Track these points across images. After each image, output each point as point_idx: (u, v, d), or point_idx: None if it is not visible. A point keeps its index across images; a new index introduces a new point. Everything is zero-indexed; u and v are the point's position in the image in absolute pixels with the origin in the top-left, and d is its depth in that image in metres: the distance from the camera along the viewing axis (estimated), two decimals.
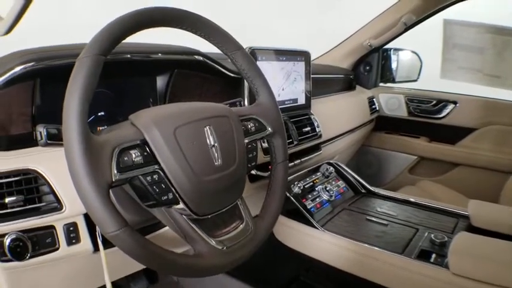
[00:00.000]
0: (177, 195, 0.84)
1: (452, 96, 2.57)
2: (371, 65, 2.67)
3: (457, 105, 2.53)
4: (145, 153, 0.81)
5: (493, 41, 2.42)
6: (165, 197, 0.83)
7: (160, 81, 1.31)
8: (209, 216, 0.91)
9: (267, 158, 1.46)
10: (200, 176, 0.86)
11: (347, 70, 2.60)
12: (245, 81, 1.18)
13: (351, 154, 2.61)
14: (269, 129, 1.09)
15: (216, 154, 0.90)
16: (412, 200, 1.81)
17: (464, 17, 2.48)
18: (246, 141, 1.02)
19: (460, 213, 1.67)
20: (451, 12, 2.37)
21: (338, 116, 2.20)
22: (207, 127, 0.90)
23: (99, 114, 1.18)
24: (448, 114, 2.56)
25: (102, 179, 0.72)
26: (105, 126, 1.14)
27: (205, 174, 0.87)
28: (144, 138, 0.82)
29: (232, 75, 1.45)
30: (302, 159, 1.74)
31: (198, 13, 0.96)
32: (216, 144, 0.90)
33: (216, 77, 1.42)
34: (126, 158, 0.77)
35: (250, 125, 1.05)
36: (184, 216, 0.88)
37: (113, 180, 0.74)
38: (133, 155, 0.79)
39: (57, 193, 0.91)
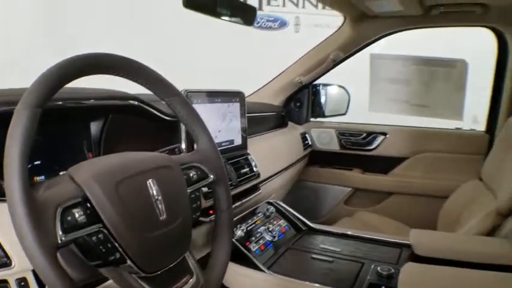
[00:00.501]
0: (123, 254, 0.81)
1: (382, 127, 2.65)
2: (301, 101, 2.71)
3: (387, 136, 2.61)
4: (88, 212, 0.77)
5: (420, 72, 2.54)
6: (112, 257, 0.80)
7: (95, 128, 1.26)
8: (158, 273, 0.88)
9: (208, 202, 1.41)
10: (146, 232, 0.83)
11: (278, 107, 2.60)
12: (182, 125, 1.15)
13: (287, 190, 2.61)
14: (211, 176, 1.07)
15: (160, 208, 0.87)
16: (353, 233, 1.82)
17: (393, 50, 2.59)
18: (189, 191, 0.99)
19: (402, 242, 1.69)
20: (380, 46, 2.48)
21: (274, 154, 2.19)
22: (150, 180, 0.87)
23: (35, 163, 1.11)
24: (378, 145, 2.63)
25: (48, 241, 0.70)
26: (42, 177, 1.11)
27: (150, 230, 0.84)
28: (85, 195, 0.78)
29: (168, 118, 1.40)
30: (242, 201, 1.71)
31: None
32: (159, 198, 0.87)
33: (153, 121, 1.37)
34: (69, 218, 0.74)
35: (192, 173, 1.02)
36: (133, 275, 0.84)
37: (59, 242, 0.72)
38: (77, 214, 0.75)
39: (4, 248, 0.85)
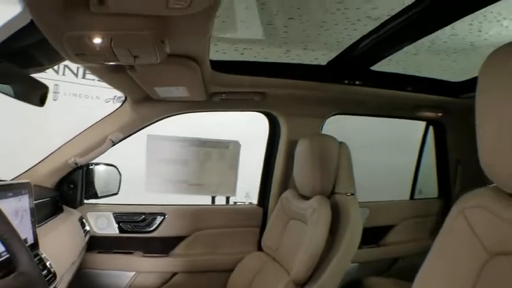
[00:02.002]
0: None
1: (161, 208, 2.61)
2: (75, 182, 2.48)
3: (166, 216, 2.58)
4: None
5: (196, 153, 2.61)
6: None
7: None
8: None
9: None
10: None
11: (51, 190, 2.35)
12: None
13: (67, 283, 2.32)
14: None
15: None
16: None
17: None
18: None
19: None
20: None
21: (60, 246, 1.94)
22: None
23: None
24: (158, 226, 2.57)
25: None
26: None
27: None
28: None
29: None
30: None
31: None
32: None
33: None
34: None
35: None
36: None
37: None
38: None
39: None
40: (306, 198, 2.26)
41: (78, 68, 4.75)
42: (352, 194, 2.24)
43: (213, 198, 3.43)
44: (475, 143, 2.84)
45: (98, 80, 4.26)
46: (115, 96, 4.51)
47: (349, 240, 2.06)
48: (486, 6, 1.58)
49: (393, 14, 1.69)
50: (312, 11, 1.77)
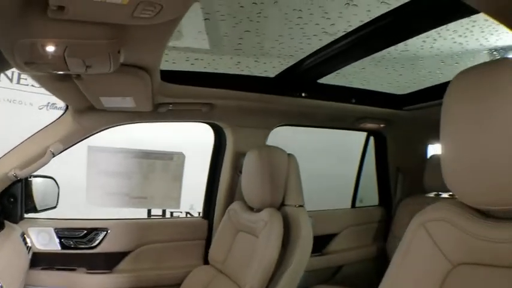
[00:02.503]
0: None
1: (103, 222, 2.51)
2: (15, 196, 2.34)
3: (109, 231, 2.47)
4: None
5: (140, 165, 2.54)
6: None
7: None
8: None
9: None
10: None
11: None
12: None
13: None
14: None
15: None
16: None
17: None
18: None
19: None
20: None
21: (5, 265, 1.82)
22: None
23: None
24: (101, 241, 2.46)
25: None
26: None
27: None
28: None
29: None
30: None
31: None
32: None
33: None
34: None
35: None
36: None
37: None
38: None
39: None
40: (255, 210, 2.26)
41: (12, 72, 4.50)
42: (301, 206, 2.26)
43: (149, 211, 3.37)
44: (414, 152, 2.97)
45: (32, 85, 4.05)
46: (48, 103, 4.30)
47: (301, 252, 2.08)
48: (441, 25, 1.64)
49: (349, 30, 1.72)
50: (271, 24, 1.77)
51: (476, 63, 0.99)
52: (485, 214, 1.03)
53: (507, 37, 1.88)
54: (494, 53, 2.11)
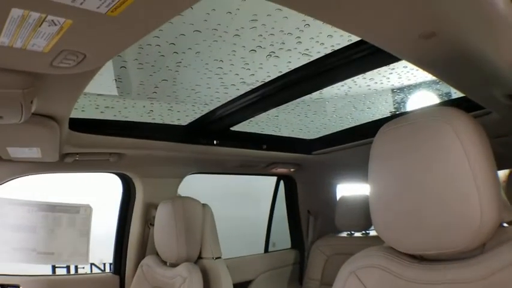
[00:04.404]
0: None
1: (13, 279, 2.28)
2: None
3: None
4: None
5: (45, 218, 2.38)
6: None
7: None
8: None
9: None
10: None
11: None
12: None
13: None
14: None
15: None
16: None
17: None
18: None
19: None
20: None
21: None
22: None
23: None
24: None
25: None
26: None
27: None
28: None
29: None
30: None
31: None
32: None
33: None
34: None
35: None
36: None
37: None
38: None
39: None
40: (168, 264, 2.17)
41: None
42: (219, 257, 2.20)
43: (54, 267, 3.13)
44: (324, 194, 3.03)
45: None
46: None
47: None
48: (361, 73, 1.69)
49: (267, 80, 1.73)
50: (190, 73, 1.74)
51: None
52: (417, 258, 1.04)
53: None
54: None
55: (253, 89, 1.85)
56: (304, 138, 2.82)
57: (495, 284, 0.86)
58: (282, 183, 3.40)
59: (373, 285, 1.05)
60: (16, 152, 1.87)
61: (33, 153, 1.87)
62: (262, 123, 2.43)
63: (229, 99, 1.97)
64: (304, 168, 3.05)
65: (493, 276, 0.87)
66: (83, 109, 2.07)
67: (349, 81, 1.81)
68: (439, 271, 0.96)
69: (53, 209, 2.42)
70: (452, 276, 0.92)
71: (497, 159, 0.92)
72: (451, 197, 0.88)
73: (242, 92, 1.89)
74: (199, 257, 2.20)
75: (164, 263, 2.23)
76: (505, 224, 0.95)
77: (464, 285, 0.90)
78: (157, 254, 2.27)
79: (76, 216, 2.47)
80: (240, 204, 4.44)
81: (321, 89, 1.80)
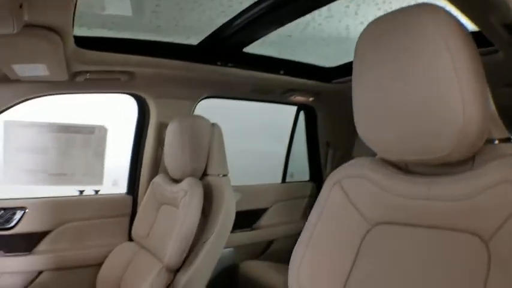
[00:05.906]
0: None
1: (20, 201, 2.34)
2: None
3: (27, 210, 2.32)
4: None
5: (57, 140, 2.40)
6: None
7: None
8: None
9: None
10: None
11: None
12: None
13: None
14: None
15: None
16: None
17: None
18: None
19: None
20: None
21: None
22: None
23: None
24: (18, 221, 2.30)
25: None
26: None
27: None
28: None
29: None
30: None
31: None
32: None
33: None
34: None
35: None
36: None
37: None
38: None
39: None
40: (177, 181, 2.19)
41: None
42: (225, 175, 2.22)
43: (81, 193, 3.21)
44: (344, 126, 2.97)
45: None
46: None
47: (223, 222, 2.03)
48: None
49: None
50: None
51: None
52: (403, 170, 1.00)
53: None
54: None
55: (254, 3, 1.76)
56: (323, 65, 2.74)
57: (481, 204, 0.80)
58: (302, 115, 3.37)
59: (357, 196, 1.00)
60: (23, 70, 1.87)
61: (40, 70, 1.87)
62: (277, 46, 2.36)
63: (234, 14, 1.90)
64: (323, 97, 2.99)
65: (478, 196, 0.80)
66: (89, 28, 2.07)
67: None
68: (424, 185, 0.89)
69: (67, 129, 2.44)
70: (437, 192, 0.86)
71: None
72: (433, 99, 0.81)
73: (247, 5, 1.80)
74: (205, 174, 2.21)
75: (172, 179, 2.26)
76: (496, 142, 0.90)
77: (448, 204, 0.85)
78: (167, 172, 2.30)
79: (91, 136, 2.50)
80: (263, 140, 4.44)
81: (326, 4, 1.69)
